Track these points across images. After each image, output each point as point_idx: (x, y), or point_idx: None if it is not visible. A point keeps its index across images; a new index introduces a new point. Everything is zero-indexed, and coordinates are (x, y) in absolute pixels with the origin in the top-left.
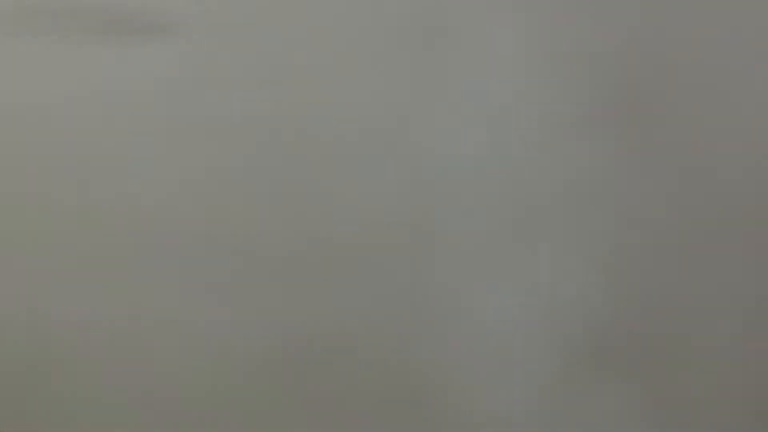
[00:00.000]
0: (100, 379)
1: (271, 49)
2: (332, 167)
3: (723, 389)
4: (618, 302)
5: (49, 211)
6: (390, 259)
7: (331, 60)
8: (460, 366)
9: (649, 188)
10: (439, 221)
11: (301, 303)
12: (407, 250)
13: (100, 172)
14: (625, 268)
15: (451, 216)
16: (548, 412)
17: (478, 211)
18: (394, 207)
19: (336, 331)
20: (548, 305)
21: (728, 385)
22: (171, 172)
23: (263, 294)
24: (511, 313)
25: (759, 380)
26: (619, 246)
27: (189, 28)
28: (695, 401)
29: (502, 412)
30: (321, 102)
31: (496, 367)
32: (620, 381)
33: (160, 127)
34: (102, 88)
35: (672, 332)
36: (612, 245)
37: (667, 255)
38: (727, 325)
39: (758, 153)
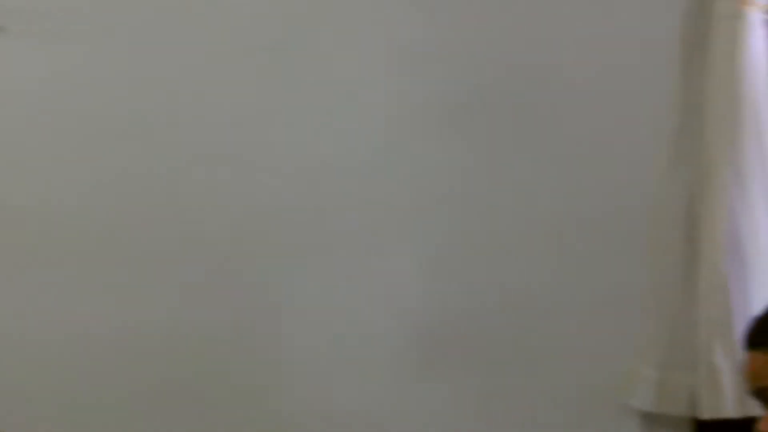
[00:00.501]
0: None
1: (146, 50)
2: (199, 167)
3: (553, 387)
4: (456, 301)
5: None
6: (240, 258)
7: (202, 61)
8: (302, 365)
9: (488, 189)
10: (288, 220)
11: (158, 300)
12: (256, 247)
13: None
14: (463, 266)
15: (298, 216)
16: (385, 410)
17: (325, 211)
18: (250, 206)
19: (188, 329)
20: (390, 303)
21: (559, 384)
22: (40, 171)
23: (121, 291)
24: (353, 310)
25: (590, 378)
26: (460, 245)
27: (60, 29)
28: (528, 397)
29: (341, 410)
30: (192, 104)
31: (337, 366)
32: (455, 379)
33: (31, 126)
34: None
35: (507, 331)
36: (453, 244)
37: (505, 254)
38: (560, 324)
39: (606, 158)
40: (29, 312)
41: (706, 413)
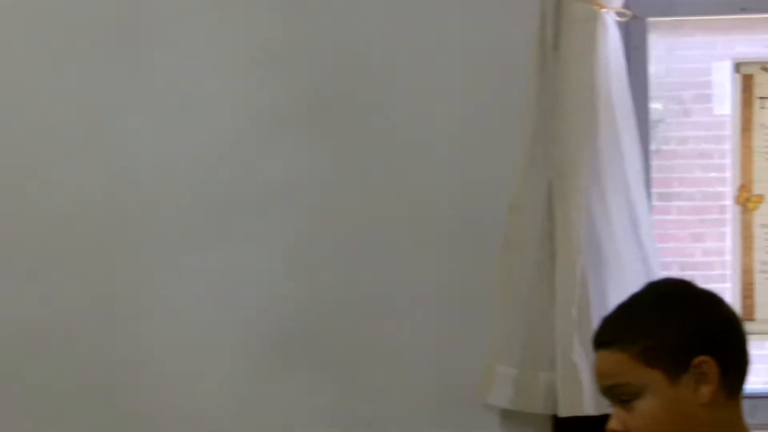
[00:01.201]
0: None
1: None
2: (26, 166)
3: (413, 385)
4: (309, 300)
5: None
6: (85, 256)
7: (24, 60)
8: (152, 362)
9: (340, 188)
10: (135, 220)
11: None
12: (102, 247)
13: None
14: (316, 266)
15: (147, 214)
16: (241, 409)
17: (173, 210)
18: (90, 205)
19: (31, 326)
20: (240, 302)
21: (418, 382)
22: None
23: None
24: (203, 310)
25: (449, 376)
26: (312, 245)
27: None
28: (387, 396)
29: (196, 410)
30: (13, 102)
31: (188, 362)
32: (312, 379)
33: None
34: None
35: (364, 330)
36: (304, 244)
37: (358, 253)
38: (418, 322)
39: (464, 157)
40: None
41: (564, 411)
